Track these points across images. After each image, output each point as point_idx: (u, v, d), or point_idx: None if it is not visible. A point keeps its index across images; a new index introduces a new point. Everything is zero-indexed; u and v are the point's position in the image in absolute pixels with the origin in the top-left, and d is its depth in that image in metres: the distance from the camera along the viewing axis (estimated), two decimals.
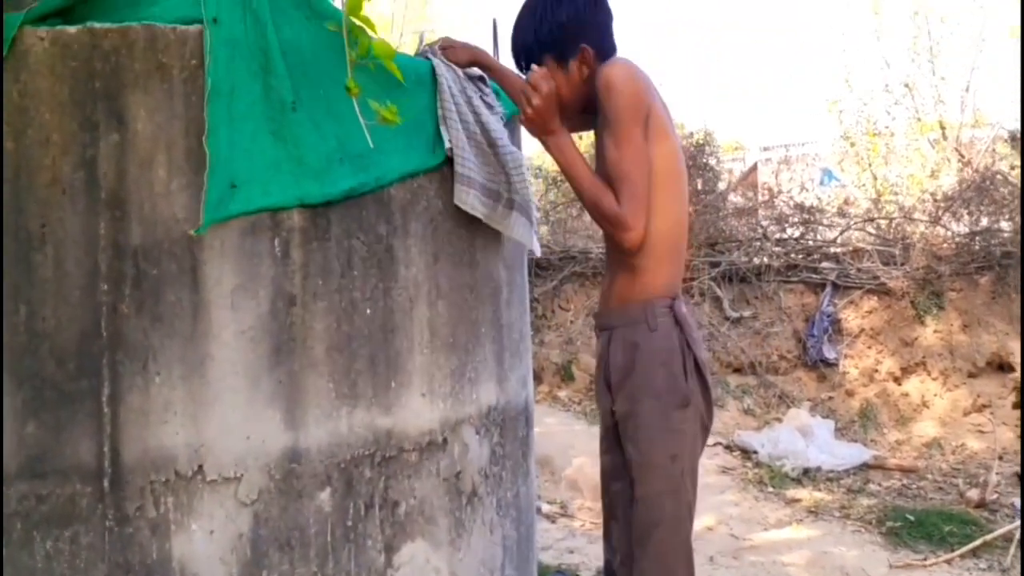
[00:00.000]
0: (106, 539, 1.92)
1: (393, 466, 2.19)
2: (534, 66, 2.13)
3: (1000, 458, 6.26)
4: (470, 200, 2.29)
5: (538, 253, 2.70)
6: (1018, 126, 7.81)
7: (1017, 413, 6.77)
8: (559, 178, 9.35)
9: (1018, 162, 8.06)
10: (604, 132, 2.08)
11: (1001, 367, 7.08)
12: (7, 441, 1.93)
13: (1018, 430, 6.64)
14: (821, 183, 10.77)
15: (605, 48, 2.18)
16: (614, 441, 2.13)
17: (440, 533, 2.29)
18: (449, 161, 2.29)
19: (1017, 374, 6.95)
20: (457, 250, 2.37)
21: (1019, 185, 7.61)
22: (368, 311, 2.14)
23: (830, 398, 7.44)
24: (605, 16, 2.20)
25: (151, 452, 1.92)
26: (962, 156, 8.97)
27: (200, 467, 1.94)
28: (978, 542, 4.81)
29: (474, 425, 2.40)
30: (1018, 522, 5.02)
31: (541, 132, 2.12)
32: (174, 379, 1.93)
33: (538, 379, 8.46)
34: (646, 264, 2.07)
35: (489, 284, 2.50)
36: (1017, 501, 5.52)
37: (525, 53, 2.22)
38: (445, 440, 2.30)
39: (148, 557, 1.93)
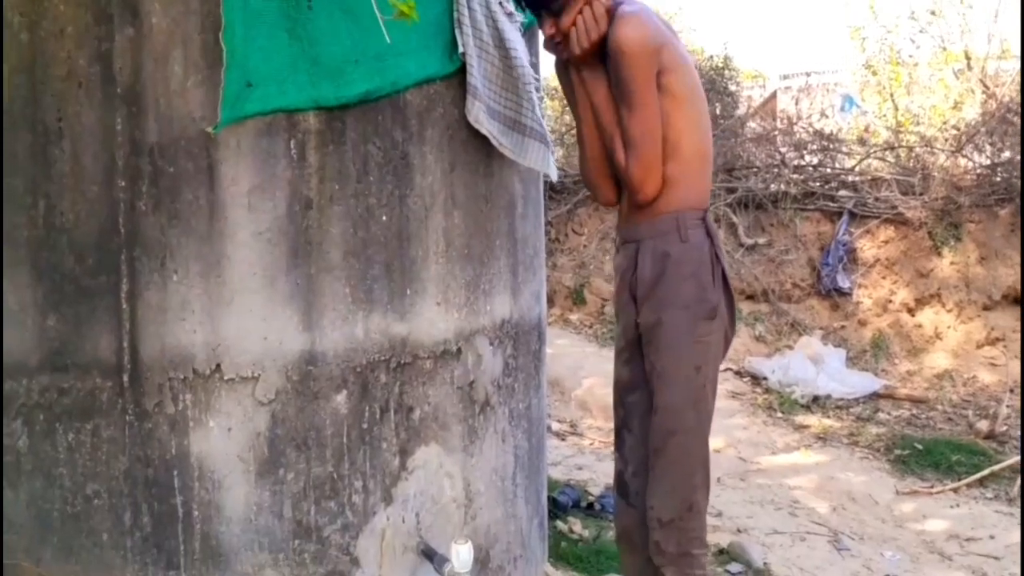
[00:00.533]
0: (126, 433, 1.96)
1: (408, 372, 2.21)
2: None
3: (1012, 391, 6.26)
4: (474, 111, 2.25)
5: (554, 177, 2.66)
6: None
7: None
8: None
9: None
10: (617, 93, 2.03)
11: (1016, 301, 7.04)
12: (28, 333, 1.95)
13: None
14: (842, 109, 10.58)
15: None
16: (635, 353, 2.12)
17: (453, 440, 2.32)
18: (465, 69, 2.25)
19: None
20: (473, 160, 2.34)
21: None
22: (384, 217, 2.13)
23: (842, 327, 7.43)
24: None
25: (169, 349, 1.94)
26: (987, 88, 8.77)
27: (218, 366, 1.96)
28: (985, 472, 4.83)
29: (488, 336, 2.41)
30: None
31: (585, 67, 2.08)
32: (191, 277, 1.94)
33: (550, 302, 8.49)
34: (677, 177, 2.03)
35: (504, 196, 2.48)
36: None
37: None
38: (459, 350, 2.31)
39: (167, 452, 1.97)
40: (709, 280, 1.98)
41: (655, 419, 1.99)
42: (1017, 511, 4.44)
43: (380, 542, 2.17)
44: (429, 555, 2.18)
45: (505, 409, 2.51)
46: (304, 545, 2.07)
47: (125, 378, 1.94)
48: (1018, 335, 6.86)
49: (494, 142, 2.31)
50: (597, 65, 2.07)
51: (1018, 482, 4.71)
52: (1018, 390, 6.30)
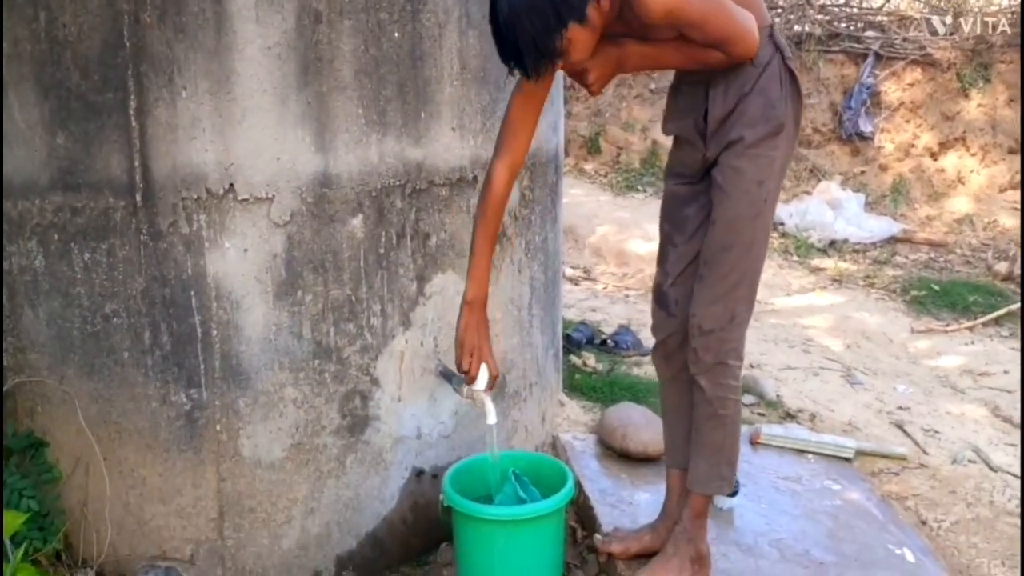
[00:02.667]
0: (141, 253, 1.95)
1: (424, 199, 2.17)
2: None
3: None
4: None
5: None
6: None
7: None
8: None
9: None
10: (693, 35, 1.78)
11: None
12: (37, 152, 1.92)
13: None
14: None
15: None
16: (696, 174, 2.04)
17: None
18: None
19: None
20: None
21: None
22: (396, 34, 2.05)
23: (862, 172, 7.32)
24: None
25: (181, 168, 1.91)
26: None
27: (231, 186, 1.93)
28: (1002, 311, 4.83)
29: None
30: None
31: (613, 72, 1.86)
32: (201, 94, 1.88)
33: (564, 151, 8.36)
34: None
35: None
36: None
37: (539, 42, 1.70)
38: (475, 177, 2.27)
39: (183, 272, 1.96)
40: (777, 95, 1.88)
41: (712, 231, 1.94)
42: None
43: (399, 364, 2.20)
44: (447, 376, 2.20)
45: (521, 240, 2.49)
46: (324, 365, 2.09)
47: (138, 197, 1.92)
48: None
49: None
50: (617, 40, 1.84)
51: None
52: None
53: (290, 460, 2.11)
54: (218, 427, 2.05)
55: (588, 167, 8.63)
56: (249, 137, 1.92)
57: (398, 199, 2.12)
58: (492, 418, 2.03)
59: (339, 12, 1.96)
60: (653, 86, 8.39)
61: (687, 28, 1.76)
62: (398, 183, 2.12)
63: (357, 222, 2.07)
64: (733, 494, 2.41)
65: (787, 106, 1.90)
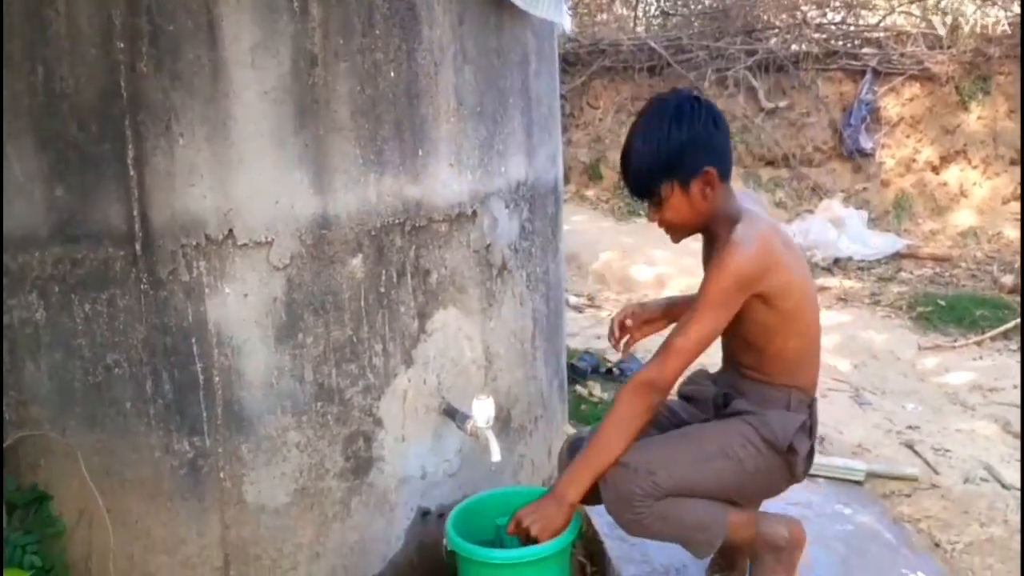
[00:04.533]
0: (142, 302, 1.95)
1: (423, 236, 2.17)
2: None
3: None
4: None
5: (568, 28, 2.55)
6: None
7: None
8: None
9: None
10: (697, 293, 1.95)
11: None
12: (36, 205, 1.93)
13: None
14: None
15: (726, 168, 1.98)
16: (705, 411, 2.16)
17: (471, 302, 2.30)
18: None
19: None
20: (483, 12, 2.24)
21: None
22: (392, 74, 2.06)
23: (864, 189, 7.32)
24: (724, 135, 1.98)
25: (180, 215, 1.91)
26: None
27: (230, 231, 1.93)
28: (1010, 324, 4.78)
29: (503, 199, 2.37)
30: None
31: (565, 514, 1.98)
32: (198, 141, 1.88)
33: (565, 179, 8.38)
34: (795, 359, 2.01)
35: (517, 51, 2.39)
36: None
37: (646, 178, 1.98)
38: (474, 212, 2.27)
39: (184, 319, 1.96)
40: (788, 436, 1.97)
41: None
42: None
43: (402, 403, 2.19)
44: (451, 413, 2.20)
45: (523, 273, 2.48)
46: (327, 407, 2.08)
47: (137, 246, 1.92)
48: None
49: None
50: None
51: None
52: None
53: (294, 505, 2.10)
54: (221, 474, 2.04)
55: (590, 193, 8.65)
56: (247, 181, 1.93)
57: (398, 237, 2.12)
58: (496, 455, 2.02)
59: (335, 54, 1.97)
60: None
61: (701, 285, 1.93)
62: (397, 221, 2.12)
63: (357, 262, 2.07)
64: None
65: (784, 461, 1.99)
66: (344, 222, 2.04)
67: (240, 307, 1.98)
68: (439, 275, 2.22)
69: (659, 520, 1.91)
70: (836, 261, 6.33)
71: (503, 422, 2.44)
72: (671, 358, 1.90)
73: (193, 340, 1.97)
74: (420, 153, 2.13)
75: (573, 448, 2.14)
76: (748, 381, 2.05)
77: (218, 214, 1.92)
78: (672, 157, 1.92)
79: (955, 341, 4.76)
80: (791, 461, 2.00)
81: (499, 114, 2.33)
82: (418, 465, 2.25)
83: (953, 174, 7.08)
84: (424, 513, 2.28)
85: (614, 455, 1.90)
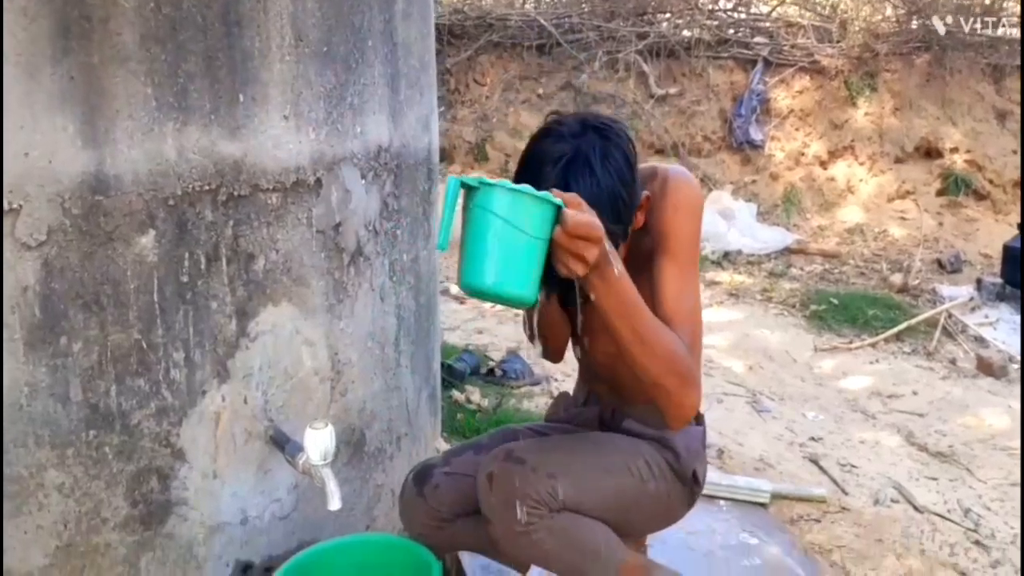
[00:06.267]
0: None
1: (245, 208, 1.65)
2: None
3: (920, 245, 6.10)
4: None
5: None
6: None
7: (940, 200, 6.58)
8: None
9: None
10: (660, 257, 1.51)
11: (928, 153, 6.82)
12: None
13: (939, 217, 6.47)
14: None
15: None
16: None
17: (314, 298, 1.80)
18: None
19: (943, 159, 6.71)
20: None
21: None
22: None
23: (753, 181, 7.12)
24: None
25: None
26: None
27: None
28: (903, 326, 4.65)
29: (359, 166, 1.86)
30: (942, 307, 4.87)
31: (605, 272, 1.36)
32: None
33: (449, 158, 7.91)
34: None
35: None
36: (938, 287, 5.39)
37: (627, 206, 1.46)
38: (319, 181, 1.76)
39: None
40: (685, 462, 1.67)
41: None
42: (937, 365, 4.26)
43: (213, 429, 1.66)
44: (280, 443, 1.69)
45: (384, 260, 1.99)
46: (104, 437, 1.54)
47: None
48: (928, 188, 6.67)
49: None
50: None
51: (935, 334, 4.53)
52: (928, 244, 6.14)
53: (56, 568, 1.54)
54: None
55: (474, 175, 8.19)
56: None
57: (207, 209, 1.59)
58: (335, 502, 1.52)
59: None
60: (541, 91, 8.01)
61: (661, 241, 1.53)
62: (207, 187, 1.59)
63: (148, 240, 1.53)
64: None
65: (678, 483, 1.68)
66: (128, 186, 1.49)
67: None
68: (268, 261, 1.70)
69: (551, 537, 1.48)
70: (726, 255, 6.08)
71: (355, 446, 1.95)
72: (689, 343, 1.46)
73: None
74: (242, 99, 1.61)
75: (421, 477, 1.70)
76: (634, 398, 1.71)
77: None
78: (631, 183, 1.47)
79: (850, 342, 4.55)
80: (693, 491, 1.72)
81: (353, 58, 1.82)
82: (236, 508, 1.73)
83: (841, 169, 6.95)
84: (244, 568, 1.76)
85: (641, 335, 1.37)
